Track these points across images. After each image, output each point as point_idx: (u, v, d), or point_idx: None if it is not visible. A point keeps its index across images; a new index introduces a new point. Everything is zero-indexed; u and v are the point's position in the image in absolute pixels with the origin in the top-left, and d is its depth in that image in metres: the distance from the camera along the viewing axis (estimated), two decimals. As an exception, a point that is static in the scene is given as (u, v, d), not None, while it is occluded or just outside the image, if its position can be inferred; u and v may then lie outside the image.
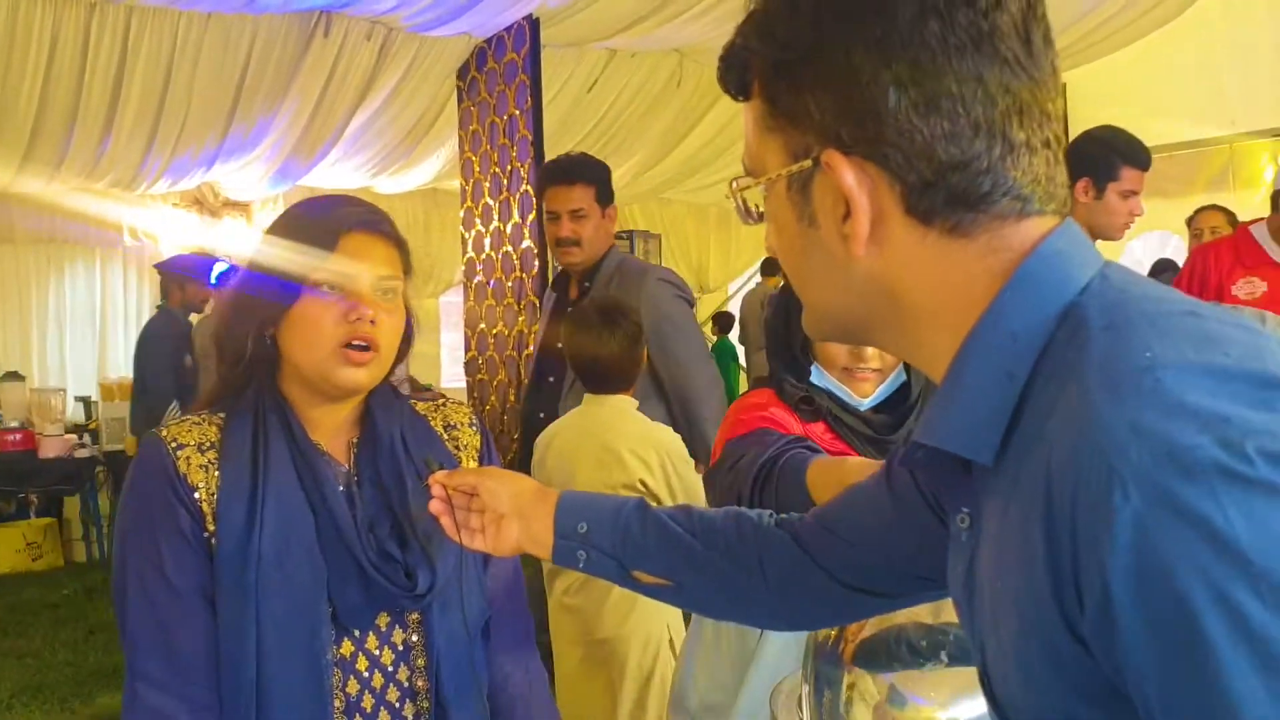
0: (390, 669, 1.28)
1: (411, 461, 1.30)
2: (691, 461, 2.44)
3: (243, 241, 6.73)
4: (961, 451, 0.64)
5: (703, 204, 9.53)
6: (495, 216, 4.79)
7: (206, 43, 5.29)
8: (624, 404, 2.43)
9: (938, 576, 0.77)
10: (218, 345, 1.30)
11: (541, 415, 2.87)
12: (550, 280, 3.46)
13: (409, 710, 1.28)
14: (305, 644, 1.20)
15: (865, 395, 1.65)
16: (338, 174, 7.03)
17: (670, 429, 2.50)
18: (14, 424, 6.00)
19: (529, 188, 4.52)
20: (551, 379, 2.94)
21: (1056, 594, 0.54)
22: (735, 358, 9.62)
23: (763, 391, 1.70)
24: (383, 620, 1.27)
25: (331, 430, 1.30)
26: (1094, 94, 5.94)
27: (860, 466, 1.35)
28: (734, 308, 10.00)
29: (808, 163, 0.67)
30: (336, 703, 1.23)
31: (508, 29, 4.78)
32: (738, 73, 0.72)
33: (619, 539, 1.04)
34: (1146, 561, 0.49)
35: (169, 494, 1.21)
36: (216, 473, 1.23)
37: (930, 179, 0.63)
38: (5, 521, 6.28)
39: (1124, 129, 2.90)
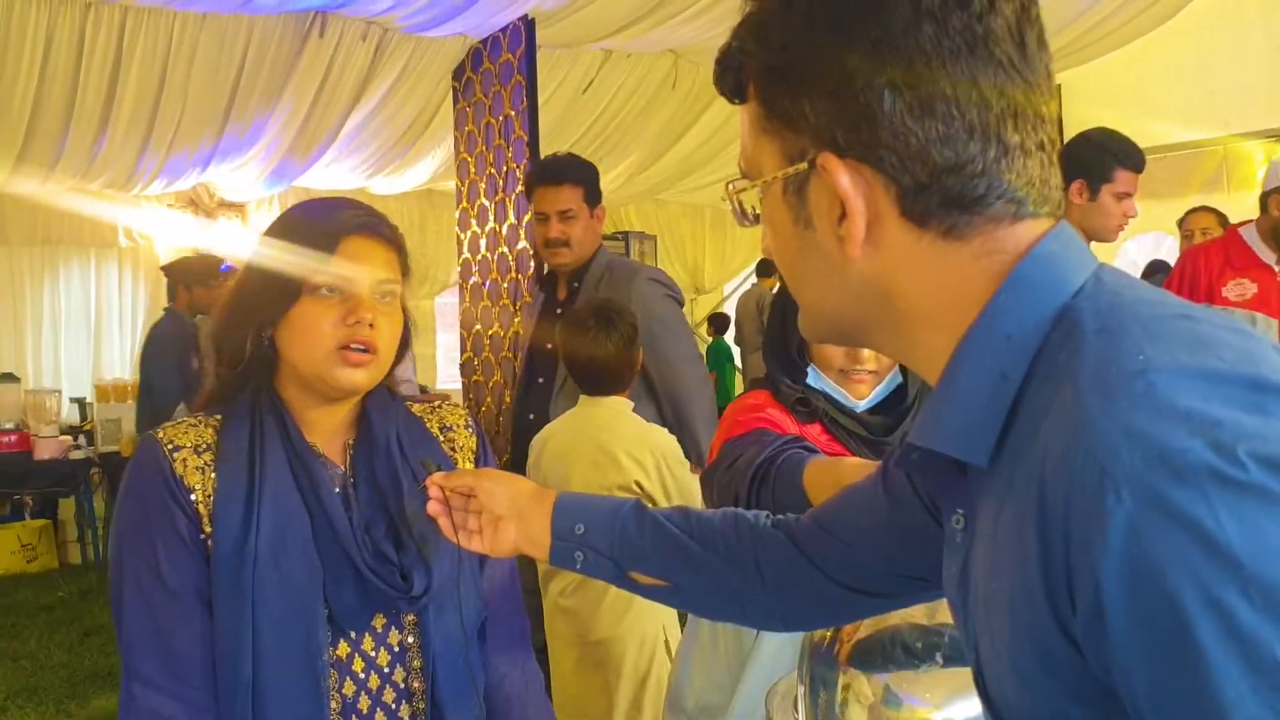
0: (386, 670, 1.28)
1: (407, 463, 1.30)
2: (687, 463, 2.44)
3: (238, 242, 6.72)
4: (956, 453, 0.64)
5: (698, 205, 9.52)
6: (491, 217, 4.78)
7: (202, 43, 5.28)
8: (619, 405, 2.43)
9: (933, 577, 0.78)
10: (216, 346, 1.30)
11: (531, 416, 2.86)
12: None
13: (405, 711, 1.29)
14: (301, 645, 1.20)
15: (861, 397, 1.66)
16: (333, 175, 7.02)
17: (665, 430, 2.50)
18: (9, 425, 5.97)
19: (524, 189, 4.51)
20: (541, 380, 2.93)
21: (1049, 595, 0.54)
22: (731, 359, 9.61)
23: (759, 393, 1.70)
24: (379, 622, 1.28)
25: (328, 432, 1.31)
26: (1088, 95, 5.97)
27: (857, 467, 1.36)
28: (730, 309, 9.99)
29: (803, 165, 0.67)
30: (332, 704, 1.23)
31: (503, 30, 4.77)
32: (733, 75, 0.72)
33: (616, 540, 1.04)
34: (1138, 564, 0.49)
35: (165, 496, 1.21)
36: (213, 474, 1.23)
37: (925, 182, 0.63)
38: (0, 523, 6.28)
39: (1118, 131, 2.91)
